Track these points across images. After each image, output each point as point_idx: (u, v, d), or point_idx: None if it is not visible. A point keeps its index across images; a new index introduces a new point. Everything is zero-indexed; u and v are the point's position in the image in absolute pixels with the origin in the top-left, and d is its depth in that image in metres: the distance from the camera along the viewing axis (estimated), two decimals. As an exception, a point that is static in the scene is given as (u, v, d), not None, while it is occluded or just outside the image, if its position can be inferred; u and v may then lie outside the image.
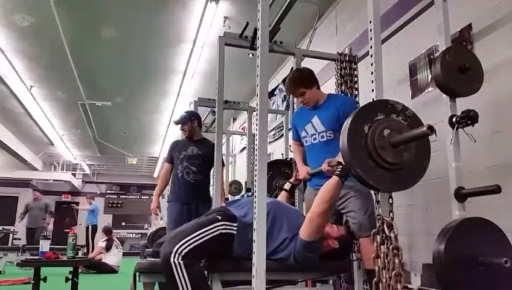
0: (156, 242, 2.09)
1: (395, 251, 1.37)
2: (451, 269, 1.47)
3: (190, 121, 3.60)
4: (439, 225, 1.60)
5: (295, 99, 3.13)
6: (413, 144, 1.34)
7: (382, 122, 1.32)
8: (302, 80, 2.55)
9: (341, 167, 1.79)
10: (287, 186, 2.61)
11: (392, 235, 1.39)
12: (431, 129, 1.19)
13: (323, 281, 2.40)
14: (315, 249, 1.82)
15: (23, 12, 5.11)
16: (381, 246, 1.42)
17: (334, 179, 1.78)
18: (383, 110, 1.36)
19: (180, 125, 3.63)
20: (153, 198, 3.73)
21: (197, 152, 3.50)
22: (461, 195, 1.70)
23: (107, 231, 7.17)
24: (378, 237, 1.43)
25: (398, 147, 1.30)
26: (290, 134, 4.52)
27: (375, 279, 1.40)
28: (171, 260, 1.66)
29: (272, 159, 4.83)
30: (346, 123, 1.31)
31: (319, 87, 2.61)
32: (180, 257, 1.67)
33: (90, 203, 9.77)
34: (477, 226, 1.56)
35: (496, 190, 1.62)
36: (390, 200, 1.55)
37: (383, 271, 1.39)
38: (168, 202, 3.57)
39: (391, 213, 1.48)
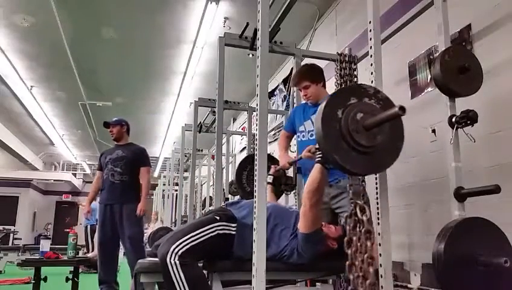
0: (154, 244, 2.09)
1: (367, 234, 1.36)
2: (451, 269, 1.47)
3: (120, 125, 3.75)
4: (439, 225, 1.60)
5: (295, 99, 3.13)
6: (387, 126, 1.33)
7: (355, 106, 1.31)
8: (310, 73, 2.54)
9: (320, 153, 1.74)
10: (269, 178, 2.59)
11: (364, 218, 1.38)
12: (403, 110, 1.19)
13: (323, 281, 2.41)
14: (316, 240, 1.82)
15: (24, 12, 5.12)
16: (354, 230, 1.41)
17: (317, 167, 1.74)
18: (355, 94, 1.35)
19: (111, 125, 3.73)
20: (85, 203, 3.87)
21: (121, 154, 3.62)
22: (461, 195, 1.71)
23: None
24: (351, 221, 1.42)
25: (371, 130, 1.29)
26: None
27: (348, 262, 1.39)
28: (167, 260, 1.66)
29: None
30: (320, 109, 1.31)
31: (324, 86, 2.60)
32: (176, 257, 1.67)
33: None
34: (477, 226, 1.57)
35: (495, 189, 1.62)
36: (363, 183, 1.54)
37: (356, 254, 1.39)
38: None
39: (364, 196, 1.47)
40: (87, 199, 3.83)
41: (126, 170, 3.56)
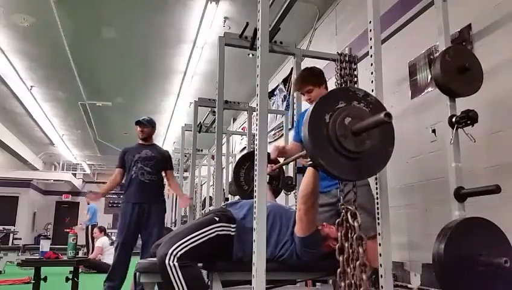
0: (154, 244, 2.08)
1: (359, 241, 1.35)
2: (451, 269, 1.47)
3: (151, 126, 3.77)
4: (439, 225, 1.60)
5: (295, 99, 3.13)
6: (376, 131, 1.29)
7: (343, 110, 1.28)
8: (311, 77, 2.54)
9: None
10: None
11: (356, 224, 1.36)
12: (388, 116, 1.17)
13: (323, 281, 2.41)
14: (313, 243, 1.81)
15: (24, 12, 5.12)
16: (346, 236, 1.40)
17: (310, 171, 1.72)
18: (344, 98, 1.32)
19: (143, 124, 3.72)
20: (99, 192, 3.88)
21: (150, 154, 3.63)
22: (461, 195, 1.70)
23: (103, 231, 7.39)
24: (342, 227, 1.41)
25: (360, 135, 1.26)
26: (290, 134, 4.52)
27: (339, 269, 1.37)
28: (166, 262, 1.66)
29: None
30: (308, 113, 1.29)
31: (326, 88, 2.60)
32: (175, 259, 1.66)
33: (88, 203, 9.77)
34: (477, 226, 1.57)
35: (495, 190, 1.62)
36: (354, 189, 1.54)
37: (348, 261, 1.37)
38: (119, 204, 3.66)
39: (355, 202, 1.46)
40: (103, 189, 3.81)
41: (154, 170, 3.59)
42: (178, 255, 1.67)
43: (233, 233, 1.82)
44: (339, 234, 1.41)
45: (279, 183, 3.18)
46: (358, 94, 1.36)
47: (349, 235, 1.38)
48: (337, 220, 1.48)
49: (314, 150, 1.25)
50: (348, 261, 1.35)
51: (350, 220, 1.38)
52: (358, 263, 1.32)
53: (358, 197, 2.28)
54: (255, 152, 1.50)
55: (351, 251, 1.36)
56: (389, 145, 1.35)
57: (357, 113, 1.29)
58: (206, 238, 1.76)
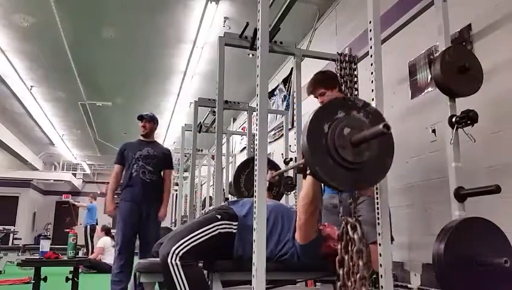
0: (156, 243, 2.08)
1: (358, 254, 1.34)
2: (451, 269, 1.47)
3: (153, 121, 3.67)
4: (439, 225, 1.60)
5: (295, 99, 3.13)
6: (375, 142, 1.29)
7: (342, 121, 1.28)
8: (324, 80, 2.51)
9: None
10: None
11: (355, 237, 1.35)
12: (387, 127, 1.17)
13: (323, 281, 2.41)
14: (313, 249, 1.81)
15: (24, 12, 5.12)
16: (346, 249, 1.39)
17: (309, 179, 1.70)
18: (343, 107, 1.32)
19: (146, 119, 3.63)
20: (107, 201, 3.63)
21: (152, 152, 3.54)
22: (461, 195, 1.70)
23: (107, 231, 7.36)
24: (342, 239, 1.40)
25: (359, 146, 1.26)
26: (290, 134, 4.53)
27: (339, 283, 1.37)
28: (168, 261, 1.65)
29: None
30: (306, 123, 1.29)
31: (341, 91, 2.58)
32: (177, 258, 1.66)
33: (91, 203, 9.78)
34: (477, 226, 1.57)
35: (495, 190, 1.62)
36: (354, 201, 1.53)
37: (348, 275, 1.36)
38: (117, 203, 3.56)
39: (355, 214, 1.46)
40: (110, 194, 3.64)
41: (155, 169, 3.49)
42: (180, 253, 1.67)
43: (234, 231, 1.82)
44: (339, 246, 1.40)
45: (279, 189, 3.18)
46: (358, 104, 1.35)
47: (349, 248, 1.37)
48: (337, 233, 1.47)
49: (312, 160, 1.25)
50: (348, 274, 1.35)
51: (350, 233, 1.37)
52: (358, 276, 1.32)
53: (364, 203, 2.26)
54: (255, 152, 1.50)
55: (351, 263, 1.35)
56: (388, 156, 1.35)
57: (356, 124, 1.29)
58: (208, 236, 1.76)
